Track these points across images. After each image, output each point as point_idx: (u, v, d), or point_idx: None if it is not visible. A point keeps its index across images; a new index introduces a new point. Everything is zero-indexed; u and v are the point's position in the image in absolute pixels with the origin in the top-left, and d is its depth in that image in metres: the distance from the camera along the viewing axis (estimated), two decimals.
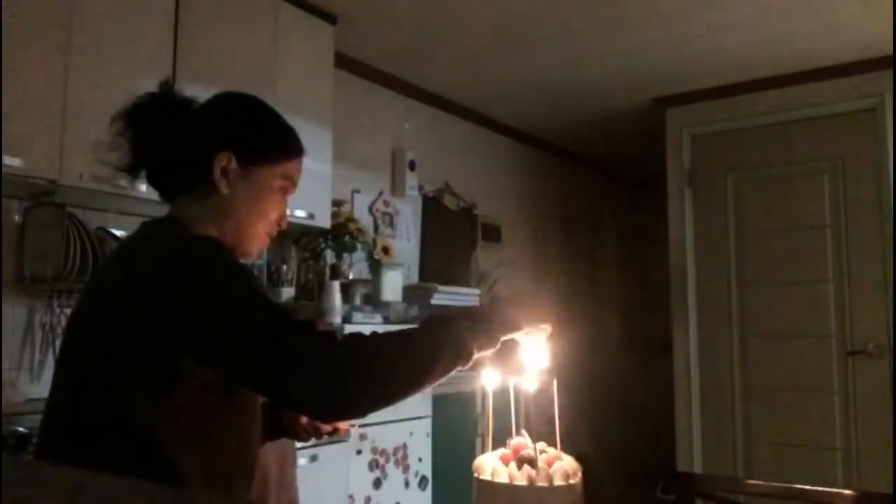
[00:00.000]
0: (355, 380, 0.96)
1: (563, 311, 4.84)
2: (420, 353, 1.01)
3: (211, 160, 1.11)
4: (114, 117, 1.11)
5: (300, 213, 2.85)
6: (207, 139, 1.13)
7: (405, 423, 2.94)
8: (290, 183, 1.19)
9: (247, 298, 1.00)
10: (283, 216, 1.20)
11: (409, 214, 3.93)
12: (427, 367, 1.01)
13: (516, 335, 1.12)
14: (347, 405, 0.98)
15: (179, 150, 1.13)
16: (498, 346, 1.09)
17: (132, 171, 1.14)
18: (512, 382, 1.15)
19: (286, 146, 1.19)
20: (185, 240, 1.07)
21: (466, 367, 1.06)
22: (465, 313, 1.09)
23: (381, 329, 1.05)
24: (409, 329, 1.05)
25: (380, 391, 0.99)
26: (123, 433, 1.00)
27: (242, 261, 1.15)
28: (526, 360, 1.15)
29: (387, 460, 2.85)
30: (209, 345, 0.98)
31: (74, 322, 1.12)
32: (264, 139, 1.17)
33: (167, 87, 1.14)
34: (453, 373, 1.04)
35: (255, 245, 1.19)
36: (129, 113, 1.12)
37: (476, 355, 1.06)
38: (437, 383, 1.03)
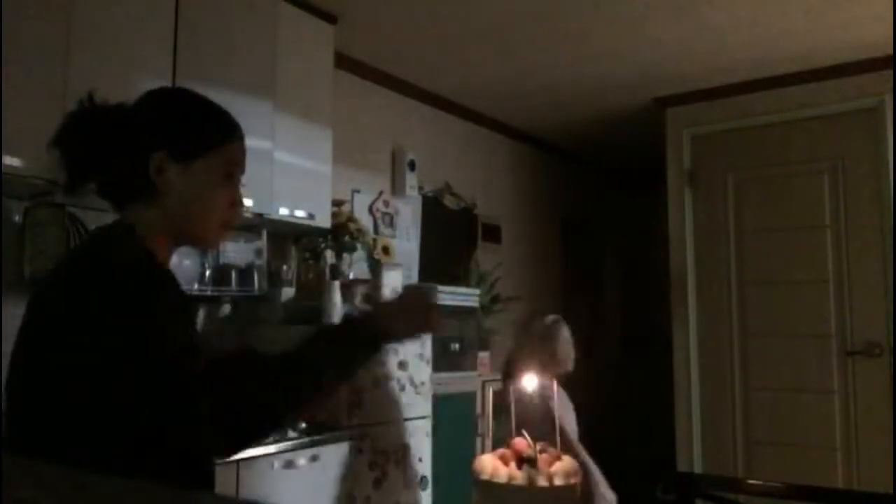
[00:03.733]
0: (214, 433, 0.99)
1: (562, 311, 4.85)
2: (294, 388, 1.05)
3: (146, 163, 1.10)
4: (48, 145, 1.11)
5: (300, 213, 2.85)
6: (138, 143, 1.11)
7: (405, 423, 2.94)
8: (234, 167, 1.17)
9: (129, 334, 0.98)
10: (234, 202, 1.18)
11: (409, 214, 3.93)
12: (304, 397, 1.06)
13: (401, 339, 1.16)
14: (220, 450, 1.03)
15: (114, 160, 1.12)
16: (381, 352, 1.13)
17: (70, 190, 1.12)
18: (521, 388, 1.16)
19: (219, 132, 1.16)
20: (107, 259, 1.08)
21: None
22: (341, 331, 1.15)
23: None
24: (284, 359, 1.08)
25: (244, 433, 1.03)
26: (76, 438, 0.99)
27: (226, 250, 1.17)
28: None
29: (387, 460, 2.85)
30: (86, 370, 0.98)
31: (23, 330, 1.12)
32: (194, 130, 1.15)
33: (90, 102, 1.12)
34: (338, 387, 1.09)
35: (212, 237, 1.18)
36: (58, 138, 1.11)
37: (358, 369, 1.10)
38: (321, 401, 1.06)
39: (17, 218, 2.31)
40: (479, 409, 3.41)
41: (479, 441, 3.33)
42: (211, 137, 1.15)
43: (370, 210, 3.69)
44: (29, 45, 2.06)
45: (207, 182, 1.14)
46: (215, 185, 1.14)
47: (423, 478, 3.02)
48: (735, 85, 3.91)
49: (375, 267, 3.27)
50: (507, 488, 1.01)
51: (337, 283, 2.87)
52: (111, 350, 0.97)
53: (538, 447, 1.09)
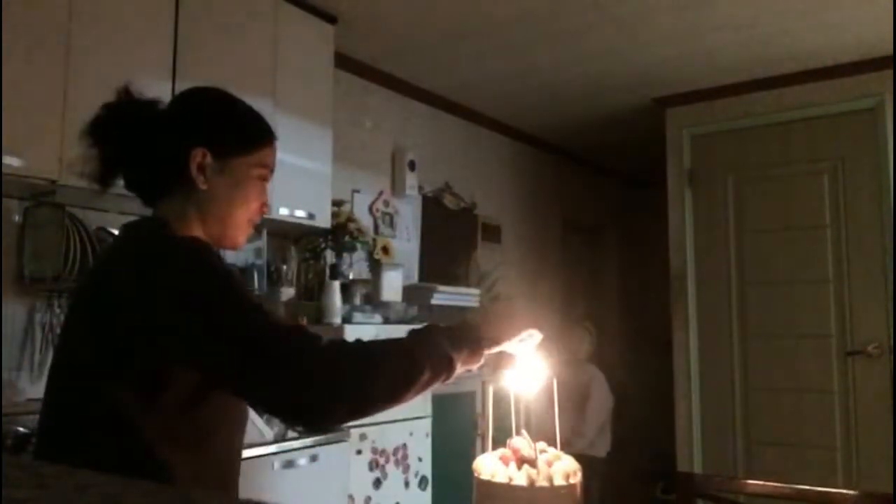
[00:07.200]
0: (332, 386, 0.95)
1: (563, 312, 4.84)
2: (401, 365, 1.01)
3: (186, 158, 1.11)
4: (80, 134, 1.10)
5: (300, 213, 2.85)
6: (179, 138, 1.13)
7: (405, 423, 2.94)
8: (267, 170, 1.19)
9: (225, 301, 1.00)
10: (263, 203, 1.20)
11: (409, 214, 3.93)
12: (407, 380, 1.01)
13: (503, 347, 1.13)
14: (321, 411, 0.97)
15: (152, 153, 1.13)
16: (482, 361, 1.09)
17: (103, 182, 1.13)
18: (513, 387, 1.16)
19: (258, 134, 1.19)
20: (164, 242, 1.08)
21: (449, 381, 1.07)
22: (451, 328, 1.10)
23: (380, 328, 1.06)
24: (393, 340, 1.06)
25: (357, 399, 0.98)
26: (117, 436, 1.01)
27: (231, 251, 1.16)
28: (520, 369, 1.16)
29: (387, 460, 2.85)
30: (188, 348, 0.99)
31: (66, 327, 1.13)
32: (235, 130, 1.17)
33: (127, 94, 1.13)
34: (435, 386, 1.05)
35: (241, 235, 1.19)
36: (93, 128, 1.11)
37: (459, 370, 1.07)
38: (417, 396, 1.03)
39: (17, 218, 2.31)
40: (479, 409, 3.41)
41: (478, 441, 3.33)
42: (251, 138, 1.17)
43: (370, 210, 3.69)
44: (29, 45, 2.06)
45: (242, 181, 1.16)
46: (249, 184, 1.17)
47: (424, 478, 3.02)
48: (735, 85, 3.91)
49: (375, 267, 3.27)
50: (507, 488, 1.01)
51: (337, 283, 2.87)
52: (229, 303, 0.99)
53: (538, 447, 1.09)
